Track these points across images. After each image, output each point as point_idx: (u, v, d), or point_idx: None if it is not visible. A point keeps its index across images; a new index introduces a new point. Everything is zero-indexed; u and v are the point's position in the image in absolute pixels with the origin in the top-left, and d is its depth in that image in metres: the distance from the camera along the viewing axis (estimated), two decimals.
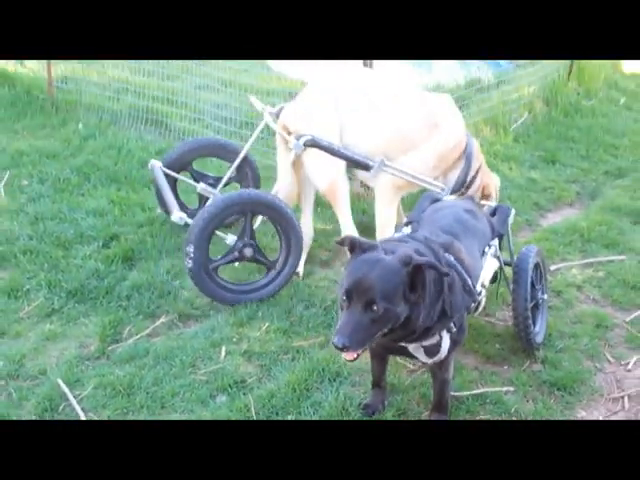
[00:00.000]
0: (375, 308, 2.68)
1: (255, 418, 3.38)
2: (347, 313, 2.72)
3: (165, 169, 4.81)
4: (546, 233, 5.16)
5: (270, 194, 4.40)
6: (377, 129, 4.44)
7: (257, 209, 4.29)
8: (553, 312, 4.28)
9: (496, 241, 3.80)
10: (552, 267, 4.74)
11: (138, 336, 3.99)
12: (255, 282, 4.39)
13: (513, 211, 4.11)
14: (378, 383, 3.51)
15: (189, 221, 4.28)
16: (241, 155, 4.74)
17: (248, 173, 4.93)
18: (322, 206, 5.31)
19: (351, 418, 3.40)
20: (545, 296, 4.06)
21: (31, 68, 7.33)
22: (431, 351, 3.10)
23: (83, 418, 3.36)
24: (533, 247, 4.03)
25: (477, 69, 7.14)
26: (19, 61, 7.40)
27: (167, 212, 4.66)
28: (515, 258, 3.95)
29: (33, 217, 5.03)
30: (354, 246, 2.85)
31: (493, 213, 4.02)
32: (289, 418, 3.40)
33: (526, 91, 7.01)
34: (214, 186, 4.85)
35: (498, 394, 3.60)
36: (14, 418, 3.35)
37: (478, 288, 3.36)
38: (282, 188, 4.53)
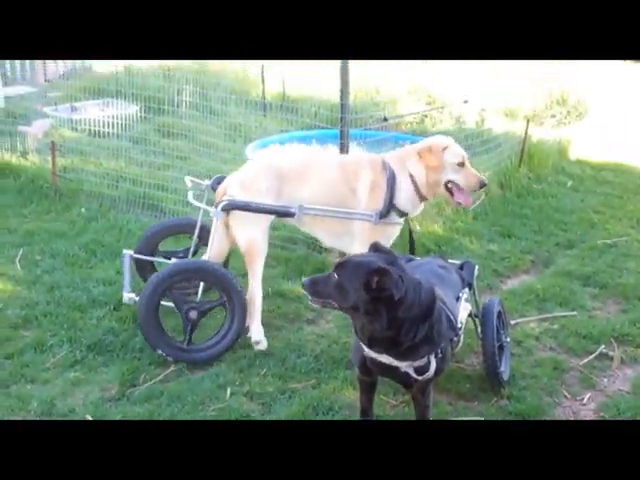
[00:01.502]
0: (336, 276, 3.45)
1: None
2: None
3: (136, 255, 5.29)
4: (506, 294, 5.78)
5: (201, 259, 4.98)
6: (310, 193, 4.89)
7: (188, 276, 4.83)
8: (515, 358, 4.85)
9: (467, 290, 4.46)
10: (512, 322, 5.30)
11: (152, 381, 4.49)
12: (203, 343, 4.81)
13: (477, 267, 4.79)
14: (366, 412, 4.02)
15: (136, 299, 4.82)
16: (197, 226, 5.25)
17: (207, 238, 5.18)
18: (306, 274, 5.93)
19: None
20: (508, 339, 4.67)
21: (33, 161, 7.96)
22: (420, 371, 3.66)
23: None
24: (495, 298, 4.72)
25: None
26: (22, 154, 8.03)
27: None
28: (481, 308, 4.62)
29: (49, 286, 5.55)
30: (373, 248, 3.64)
31: (461, 267, 4.69)
32: None
33: (482, 176, 7.75)
34: (185, 257, 5.31)
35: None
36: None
37: (458, 325, 4.00)
38: (212, 252, 4.96)
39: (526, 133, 8.48)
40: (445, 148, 4.90)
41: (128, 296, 4.90)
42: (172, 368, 4.63)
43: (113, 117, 8.37)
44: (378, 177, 4.87)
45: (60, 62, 12.42)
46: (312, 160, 4.99)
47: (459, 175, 4.89)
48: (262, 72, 10.60)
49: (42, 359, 4.68)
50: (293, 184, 4.87)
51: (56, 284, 5.58)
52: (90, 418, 4.06)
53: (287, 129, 8.85)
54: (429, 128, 9.68)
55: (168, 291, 4.70)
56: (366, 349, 3.65)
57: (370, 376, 3.92)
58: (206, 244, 5.26)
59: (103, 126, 8.35)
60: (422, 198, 4.96)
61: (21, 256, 6.11)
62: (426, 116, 9.93)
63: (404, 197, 4.90)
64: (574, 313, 5.55)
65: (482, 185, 5.02)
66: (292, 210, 4.85)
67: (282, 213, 4.89)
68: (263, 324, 4.98)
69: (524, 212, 7.57)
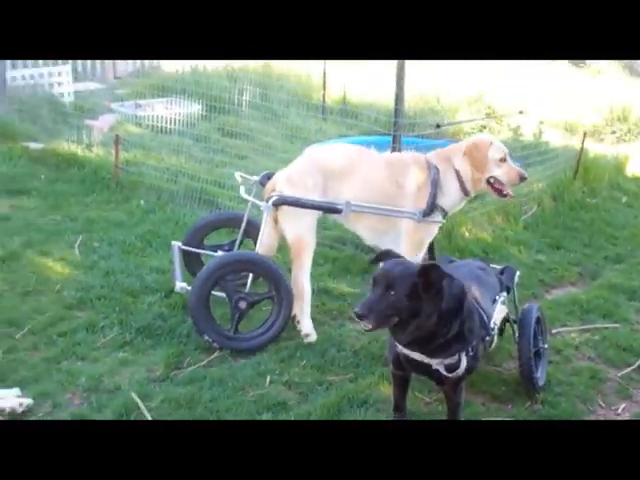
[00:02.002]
0: (392, 292, 3.46)
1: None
2: (371, 294, 3.52)
3: (184, 246, 5.55)
4: (550, 303, 5.82)
5: (252, 252, 5.15)
6: (355, 190, 5.03)
7: (240, 267, 5.04)
8: (553, 365, 4.90)
9: (504, 293, 4.54)
10: (554, 330, 5.36)
11: (196, 365, 4.67)
12: (249, 333, 4.99)
13: (518, 272, 4.88)
14: (399, 407, 4.17)
15: (188, 289, 4.96)
16: (244, 220, 5.41)
17: (253, 232, 5.46)
18: (352, 273, 6.09)
19: None
20: (545, 346, 4.72)
21: (98, 153, 8.27)
22: (450, 368, 3.77)
23: None
24: (534, 304, 4.78)
25: None
26: (87, 146, 8.36)
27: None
28: (519, 313, 4.69)
29: (105, 271, 5.79)
30: (386, 256, 3.71)
31: (502, 272, 4.77)
32: None
33: (535, 187, 7.80)
34: (231, 249, 5.48)
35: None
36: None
37: (491, 325, 4.09)
38: (262, 246, 5.14)
39: (582, 146, 8.47)
40: (490, 144, 5.02)
41: (180, 285, 5.06)
42: (216, 354, 4.80)
43: (177, 115, 8.65)
44: (423, 175, 5.00)
45: (130, 60, 12.87)
46: (358, 158, 5.11)
47: (501, 170, 5.00)
48: (324, 76, 10.76)
49: (93, 339, 4.91)
50: (338, 181, 5.00)
51: (111, 270, 5.82)
52: (134, 395, 4.25)
53: (346, 134, 8.99)
54: None
55: (220, 280, 4.88)
56: (399, 347, 3.77)
57: (403, 372, 4.04)
58: (250, 237, 5.48)
59: (166, 123, 8.65)
60: (466, 194, 5.08)
61: (80, 242, 6.36)
62: (485, 127, 9.97)
63: (448, 194, 5.03)
64: (616, 325, 5.57)
65: (522, 179, 5.11)
66: (339, 207, 4.99)
67: (329, 209, 5.04)
68: None
69: (575, 225, 7.57)
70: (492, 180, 5.02)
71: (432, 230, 5.11)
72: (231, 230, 6.01)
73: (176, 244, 5.55)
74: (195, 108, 9.08)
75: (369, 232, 5.19)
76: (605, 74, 15.36)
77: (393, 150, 6.11)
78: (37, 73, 10.14)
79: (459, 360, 3.76)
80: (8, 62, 9.92)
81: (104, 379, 4.47)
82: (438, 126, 6.74)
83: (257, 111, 8.29)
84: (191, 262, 5.58)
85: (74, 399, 4.29)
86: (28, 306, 5.25)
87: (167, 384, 4.48)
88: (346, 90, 11.13)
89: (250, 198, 5.23)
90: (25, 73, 10.07)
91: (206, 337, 4.83)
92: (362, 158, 5.12)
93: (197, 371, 4.61)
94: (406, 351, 3.77)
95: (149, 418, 4.08)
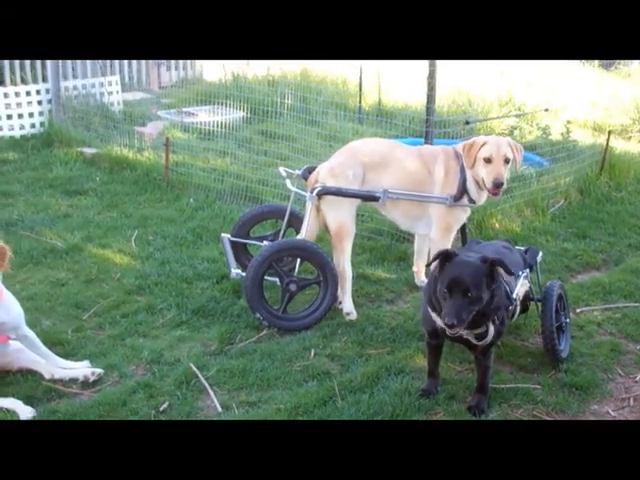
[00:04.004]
0: (470, 295, 3.91)
1: (339, 396, 4.47)
2: (450, 301, 3.93)
3: (232, 238, 6.02)
4: (574, 286, 6.16)
5: (298, 238, 5.61)
6: (391, 179, 5.48)
7: (292, 252, 5.51)
8: (575, 340, 5.25)
9: (527, 270, 4.95)
10: (577, 310, 5.72)
11: (247, 341, 5.14)
12: (297, 313, 5.43)
13: (541, 253, 5.29)
14: (433, 373, 4.59)
15: (243, 274, 5.41)
16: (287, 211, 5.89)
17: (297, 224, 5.94)
18: (388, 261, 6.52)
19: (412, 399, 4.45)
20: (567, 320, 5.11)
21: (148, 157, 8.82)
22: (479, 337, 4.22)
23: (210, 390, 4.52)
24: (556, 282, 5.15)
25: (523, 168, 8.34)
26: (138, 150, 8.92)
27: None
28: (542, 290, 5.09)
29: (160, 261, 6.30)
30: (448, 256, 4.08)
31: (526, 252, 5.19)
32: (364, 397, 4.45)
33: (562, 181, 8.15)
34: (275, 239, 5.90)
35: (527, 389, 4.62)
36: (158, 388, 4.55)
37: (513, 296, 4.52)
38: (306, 233, 5.59)
39: (607, 142, 8.78)
40: (483, 144, 5.37)
41: (235, 272, 5.49)
42: (264, 332, 5.27)
43: (220, 121, 9.16)
44: (452, 164, 5.47)
45: (173, 71, 13.46)
46: (392, 150, 5.58)
47: (485, 170, 5.34)
48: (360, 81, 11.20)
49: (153, 319, 5.41)
50: (376, 172, 5.47)
51: (166, 260, 6.34)
52: (192, 365, 4.74)
53: (381, 137, 9.38)
54: (518, 139, 10.07)
55: (275, 262, 5.34)
56: (439, 321, 4.18)
57: (437, 340, 4.47)
58: (292, 227, 5.98)
59: (212, 126, 9.17)
60: (479, 186, 5.47)
61: (136, 236, 6.91)
62: (515, 128, 10.31)
63: (471, 183, 5.44)
64: (637, 304, 5.90)
65: (496, 184, 5.29)
66: (377, 194, 5.46)
67: (369, 197, 5.51)
68: None
69: (601, 216, 7.86)
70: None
71: (460, 216, 5.56)
72: (273, 222, 6.48)
73: (225, 236, 6.04)
74: (238, 114, 9.57)
75: (404, 218, 5.66)
76: (634, 77, 15.60)
77: None
78: (89, 83, 10.69)
79: (487, 329, 4.18)
80: (61, 73, 10.54)
81: (164, 353, 4.96)
82: (467, 123, 7.15)
83: (297, 116, 8.71)
84: (238, 253, 6.00)
85: (138, 370, 4.79)
86: (92, 292, 5.78)
87: (221, 357, 4.95)
88: (381, 94, 11.56)
89: (295, 189, 5.70)
90: (77, 83, 10.64)
91: (257, 315, 5.28)
92: (396, 150, 5.57)
93: (248, 346, 5.09)
94: (442, 323, 4.17)
95: (207, 385, 4.57)
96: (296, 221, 5.92)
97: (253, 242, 6.08)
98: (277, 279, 5.43)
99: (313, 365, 4.87)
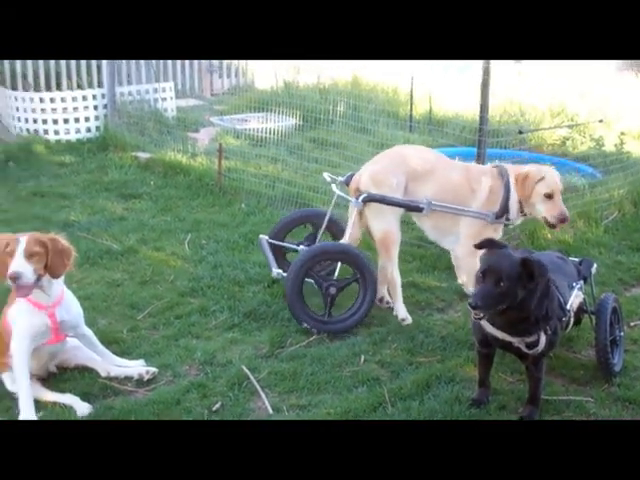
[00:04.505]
0: (501, 284, 3.90)
1: (389, 402, 4.49)
2: (482, 285, 3.95)
3: (271, 240, 6.07)
4: (628, 299, 6.07)
5: (340, 243, 5.62)
6: (433, 191, 5.51)
7: (333, 257, 5.55)
8: (630, 354, 5.18)
9: (581, 281, 4.91)
10: (632, 323, 5.64)
11: (297, 345, 5.18)
12: (340, 316, 5.44)
13: (595, 265, 5.24)
14: (483, 382, 4.56)
15: (284, 275, 5.47)
16: (326, 218, 5.93)
17: (334, 228, 6.07)
18: (438, 269, 6.51)
19: (462, 407, 4.45)
20: (622, 334, 5.05)
21: (201, 162, 8.94)
22: (530, 346, 4.19)
23: (261, 393, 4.57)
24: (611, 295, 5.11)
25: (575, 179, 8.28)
26: (191, 156, 9.04)
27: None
28: (596, 302, 5.04)
29: (213, 265, 6.39)
30: (492, 244, 4.13)
31: (580, 263, 5.15)
32: (414, 404, 4.45)
33: (616, 193, 8.06)
34: (311, 243, 5.96)
35: (580, 402, 4.57)
36: (210, 388, 4.62)
37: (567, 307, 4.49)
38: (349, 237, 5.62)
39: None
40: (541, 179, 5.39)
41: (276, 271, 5.58)
42: (314, 337, 5.30)
43: (272, 128, 9.25)
44: (497, 182, 5.50)
45: (225, 78, 13.62)
46: (438, 162, 5.62)
47: (545, 206, 5.40)
48: (411, 90, 11.21)
49: (205, 321, 5.49)
50: (419, 182, 5.51)
51: (218, 263, 6.42)
52: (244, 367, 4.80)
53: (432, 146, 9.39)
54: (570, 150, 10.00)
55: (311, 270, 5.38)
56: (489, 328, 4.19)
57: (488, 349, 4.46)
58: (328, 231, 6.07)
59: (264, 133, 9.26)
60: (522, 211, 5.52)
61: (189, 240, 7.02)
62: (568, 138, 10.23)
63: (513, 203, 5.47)
64: None
65: (561, 220, 5.42)
66: (421, 205, 5.50)
67: (412, 207, 5.54)
68: None
69: None
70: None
71: (491, 235, 5.48)
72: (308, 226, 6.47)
73: (264, 237, 6.12)
74: (289, 122, 9.65)
75: (434, 229, 5.73)
76: None
77: (478, 155, 6.56)
78: (143, 89, 10.89)
79: (538, 338, 4.16)
80: (116, 79, 10.74)
81: (217, 354, 5.03)
82: (520, 132, 7.13)
83: (348, 125, 8.76)
84: (275, 256, 5.98)
85: (191, 370, 4.87)
86: (146, 293, 5.89)
87: (272, 360, 5.00)
88: (432, 103, 11.55)
89: (342, 194, 5.77)
90: (132, 89, 10.83)
91: (305, 325, 5.33)
92: (441, 163, 5.60)
93: (298, 350, 5.13)
94: (492, 330, 4.19)
95: (258, 387, 4.62)
96: (333, 226, 6.03)
97: (290, 245, 6.13)
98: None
99: (363, 371, 4.89)
